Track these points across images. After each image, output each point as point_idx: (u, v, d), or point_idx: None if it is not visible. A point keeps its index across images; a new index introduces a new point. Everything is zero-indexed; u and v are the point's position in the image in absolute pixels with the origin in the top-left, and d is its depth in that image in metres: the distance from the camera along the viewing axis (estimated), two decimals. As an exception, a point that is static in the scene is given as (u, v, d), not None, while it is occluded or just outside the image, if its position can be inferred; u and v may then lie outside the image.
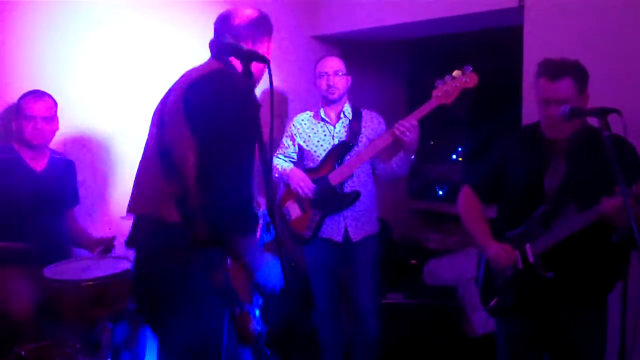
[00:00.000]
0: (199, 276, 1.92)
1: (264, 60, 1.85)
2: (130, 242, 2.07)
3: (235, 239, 1.91)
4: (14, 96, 2.92)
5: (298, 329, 3.74)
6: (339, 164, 3.24)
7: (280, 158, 3.42)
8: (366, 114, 3.36)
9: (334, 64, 3.29)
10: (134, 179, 2.11)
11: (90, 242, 3.00)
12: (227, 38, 2.04)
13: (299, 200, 3.29)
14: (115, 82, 3.36)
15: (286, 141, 3.44)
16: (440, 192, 5.10)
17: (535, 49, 3.06)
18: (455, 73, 2.97)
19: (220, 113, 1.85)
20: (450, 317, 3.75)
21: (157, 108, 2.07)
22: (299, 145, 3.39)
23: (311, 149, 3.33)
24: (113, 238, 2.91)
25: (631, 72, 2.80)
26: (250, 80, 1.84)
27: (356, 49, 4.39)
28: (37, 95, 2.87)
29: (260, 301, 2.16)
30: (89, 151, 3.32)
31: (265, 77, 1.85)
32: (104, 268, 2.66)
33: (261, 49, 2.12)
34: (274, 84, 1.81)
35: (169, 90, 2.05)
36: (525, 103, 3.15)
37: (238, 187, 1.82)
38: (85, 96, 3.27)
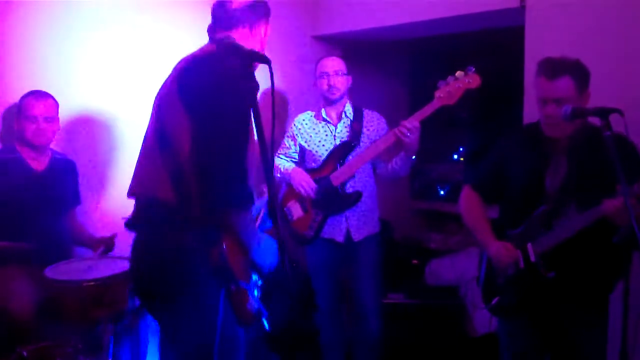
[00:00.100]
0: (195, 254, 1.93)
1: (265, 60, 1.86)
2: (130, 224, 2.09)
3: (230, 215, 1.92)
4: (15, 96, 2.92)
5: (299, 329, 3.73)
6: (341, 164, 3.23)
7: (281, 158, 3.42)
8: (367, 114, 3.36)
9: (334, 64, 3.29)
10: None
11: (91, 241, 3.01)
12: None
13: (301, 200, 3.29)
14: (117, 83, 3.36)
15: (287, 141, 3.44)
16: (442, 192, 5.10)
17: (536, 49, 3.05)
18: (458, 74, 2.95)
19: (214, 91, 1.86)
20: (452, 317, 3.75)
21: (156, 96, 2.10)
22: (300, 145, 3.39)
23: (313, 149, 3.33)
24: (114, 237, 2.91)
25: (633, 72, 2.79)
26: (251, 72, 1.85)
27: (357, 49, 4.39)
28: (39, 95, 2.87)
29: (260, 281, 2.17)
30: (91, 151, 3.32)
31: (266, 77, 1.85)
32: (105, 268, 2.66)
33: (258, 33, 2.15)
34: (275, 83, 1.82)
35: (167, 77, 2.08)
36: (526, 103, 3.15)
37: (233, 164, 1.83)
38: (86, 96, 3.27)
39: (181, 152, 1.89)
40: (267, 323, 2.18)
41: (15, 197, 2.78)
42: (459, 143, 5.11)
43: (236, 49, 1.94)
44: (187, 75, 1.96)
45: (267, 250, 2.08)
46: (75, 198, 3.11)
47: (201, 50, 2.08)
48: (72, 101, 3.19)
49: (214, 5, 2.15)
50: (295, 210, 3.32)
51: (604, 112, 2.02)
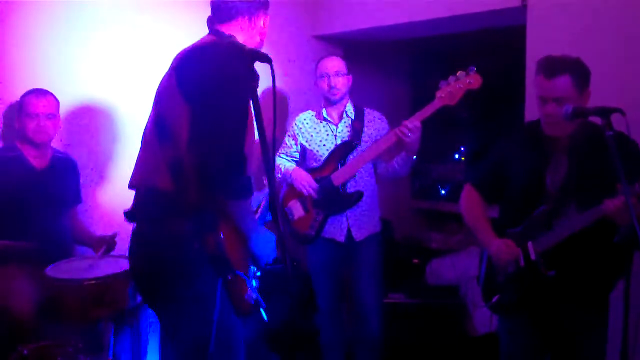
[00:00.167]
0: (191, 242, 1.94)
1: (266, 59, 1.86)
2: (129, 214, 2.10)
3: (228, 203, 1.92)
4: (16, 95, 2.92)
5: (300, 329, 3.74)
6: (342, 164, 3.23)
7: (282, 157, 3.42)
8: (368, 114, 3.35)
9: (334, 65, 3.29)
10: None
11: (92, 240, 3.01)
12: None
13: (302, 200, 3.29)
14: (117, 82, 3.36)
15: (288, 141, 3.44)
16: (443, 192, 5.10)
17: (538, 49, 3.05)
18: (459, 73, 2.94)
19: (212, 80, 1.87)
20: (453, 317, 3.75)
21: (156, 89, 2.11)
22: (301, 145, 3.39)
23: (314, 148, 3.33)
24: (115, 235, 2.92)
25: (633, 71, 2.79)
26: (251, 67, 1.86)
27: (357, 49, 4.39)
28: (40, 93, 2.88)
29: (259, 272, 2.17)
30: (92, 152, 3.32)
31: (268, 76, 1.85)
32: (106, 267, 2.66)
33: (258, 24, 2.15)
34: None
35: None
36: (527, 103, 3.15)
37: (231, 153, 1.83)
38: (87, 96, 3.27)
39: (180, 141, 1.90)
40: (266, 314, 2.18)
41: (16, 196, 2.77)
42: (460, 143, 5.11)
43: (238, 48, 1.95)
44: (186, 65, 1.98)
45: (265, 242, 2.09)
46: (76, 196, 3.11)
47: (200, 41, 2.09)
48: (73, 100, 3.19)
49: None
50: (296, 209, 3.31)
51: (605, 112, 2.01)
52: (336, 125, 3.32)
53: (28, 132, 2.84)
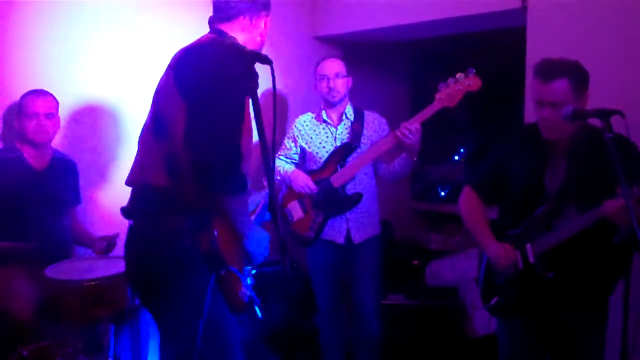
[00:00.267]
0: (185, 237, 1.95)
1: (266, 61, 1.86)
2: (125, 211, 2.10)
3: (224, 200, 1.93)
4: (16, 96, 2.92)
5: (299, 330, 3.74)
6: (342, 166, 3.23)
7: (282, 159, 3.42)
8: (368, 115, 3.35)
9: (334, 67, 3.28)
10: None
11: (92, 241, 3.01)
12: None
13: (301, 201, 3.29)
14: (118, 82, 3.36)
15: (288, 142, 3.44)
16: (442, 193, 5.10)
17: (538, 50, 3.05)
18: (459, 76, 2.94)
19: (209, 77, 1.88)
20: (452, 318, 3.74)
21: (155, 87, 2.12)
22: (301, 147, 3.38)
23: (313, 150, 3.33)
24: (117, 235, 2.91)
25: (634, 72, 2.80)
26: (252, 70, 1.86)
27: (357, 50, 4.39)
28: (39, 93, 2.88)
29: (254, 270, 2.17)
30: (92, 152, 3.32)
31: (268, 77, 1.86)
32: (106, 268, 2.66)
33: (259, 25, 2.17)
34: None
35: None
36: (527, 104, 3.14)
37: (226, 148, 1.84)
38: (88, 96, 3.27)
39: (176, 137, 1.91)
40: (260, 311, 2.18)
41: (15, 196, 2.78)
42: (459, 144, 5.11)
43: (238, 49, 1.95)
44: (184, 63, 1.99)
45: (259, 240, 2.10)
46: (75, 197, 3.11)
47: (199, 40, 2.10)
48: (73, 100, 3.19)
49: None
50: (296, 211, 3.31)
51: (605, 114, 1.99)
52: (336, 127, 3.32)
53: (28, 132, 2.85)
